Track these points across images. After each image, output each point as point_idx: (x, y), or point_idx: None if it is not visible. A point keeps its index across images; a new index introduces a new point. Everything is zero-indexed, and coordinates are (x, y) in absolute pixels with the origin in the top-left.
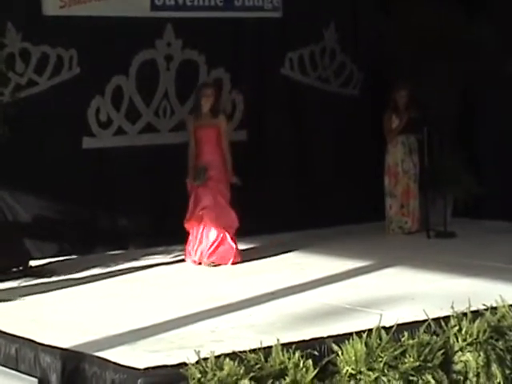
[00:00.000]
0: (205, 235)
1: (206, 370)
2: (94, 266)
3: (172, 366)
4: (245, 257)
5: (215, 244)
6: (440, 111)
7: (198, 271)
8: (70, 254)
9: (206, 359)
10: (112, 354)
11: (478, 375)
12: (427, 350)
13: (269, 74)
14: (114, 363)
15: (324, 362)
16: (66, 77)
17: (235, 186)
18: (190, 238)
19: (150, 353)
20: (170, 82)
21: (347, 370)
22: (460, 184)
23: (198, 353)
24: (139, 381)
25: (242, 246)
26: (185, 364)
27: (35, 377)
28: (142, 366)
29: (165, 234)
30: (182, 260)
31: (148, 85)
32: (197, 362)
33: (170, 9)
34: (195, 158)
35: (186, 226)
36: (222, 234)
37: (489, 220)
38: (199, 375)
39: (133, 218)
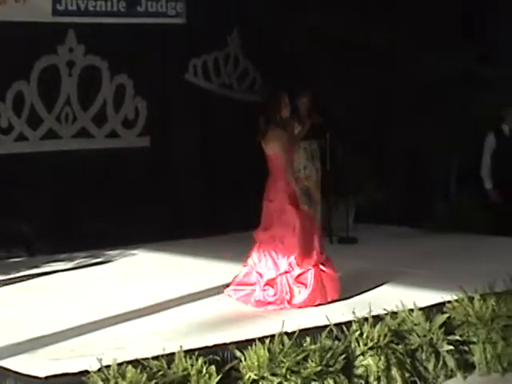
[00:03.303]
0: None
1: (109, 377)
2: None
3: (74, 373)
4: (146, 263)
5: None
6: (343, 118)
7: (101, 278)
8: None
9: (108, 367)
10: (12, 363)
11: (378, 379)
12: (329, 355)
13: (172, 80)
14: (15, 372)
15: (227, 368)
16: None
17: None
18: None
19: (51, 361)
20: (72, 88)
21: (250, 376)
22: (362, 190)
23: (100, 360)
24: None
25: (142, 253)
26: (87, 372)
27: None
28: (43, 375)
29: (67, 240)
30: (85, 266)
31: (50, 90)
32: (99, 370)
33: (72, 14)
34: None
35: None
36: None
37: (392, 225)
38: (101, 383)
39: (35, 224)
